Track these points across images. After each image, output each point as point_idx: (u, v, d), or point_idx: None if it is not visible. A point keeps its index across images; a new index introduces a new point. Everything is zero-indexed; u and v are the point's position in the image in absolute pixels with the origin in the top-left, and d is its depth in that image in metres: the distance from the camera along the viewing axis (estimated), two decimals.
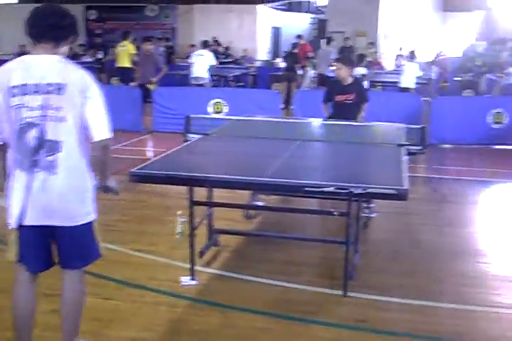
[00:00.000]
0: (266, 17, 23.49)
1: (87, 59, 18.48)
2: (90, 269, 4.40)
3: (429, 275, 4.57)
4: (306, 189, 3.74)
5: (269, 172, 3.94)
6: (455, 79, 16.22)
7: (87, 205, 2.97)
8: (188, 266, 4.30)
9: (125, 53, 12.78)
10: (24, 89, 2.77)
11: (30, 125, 2.79)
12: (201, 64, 12.59)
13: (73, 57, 20.58)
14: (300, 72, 15.17)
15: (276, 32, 24.73)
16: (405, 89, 12.44)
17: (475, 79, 15.85)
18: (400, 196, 3.61)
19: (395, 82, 13.24)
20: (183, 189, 4.34)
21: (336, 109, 6.85)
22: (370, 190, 3.63)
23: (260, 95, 11.16)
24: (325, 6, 24.35)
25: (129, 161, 7.94)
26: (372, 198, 4.95)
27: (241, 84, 16.14)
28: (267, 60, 21.80)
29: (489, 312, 4.00)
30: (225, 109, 10.65)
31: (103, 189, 3.13)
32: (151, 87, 11.06)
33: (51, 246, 3.00)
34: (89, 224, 2.99)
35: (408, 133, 5.55)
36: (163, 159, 4.45)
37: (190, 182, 3.96)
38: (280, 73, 15.63)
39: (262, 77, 17.08)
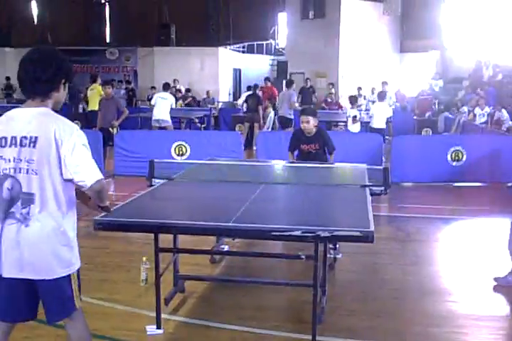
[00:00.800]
0: (227, 59, 23.84)
1: None
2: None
3: (397, 316, 4.56)
4: (274, 233, 3.73)
5: (234, 217, 3.92)
6: (414, 117, 16.58)
7: (64, 258, 2.90)
8: (153, 314, 4.20)
9: (95, 96, 12.78)
10: (2, 142, 2.84)
11: (6, 176, 2.83)
12: (163, 106, 12.64)
13: None
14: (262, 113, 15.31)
15: (237, 73, 25.08)
16: (377, 130, 12.09)
17: (433, 117, 16.25)
18: (367, 238, 3.62)
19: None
20: (146, 234, 4.28)
21: (302, 157, 6.84)
22: (336, 233, 3.64)
23: (223, 137, 11.19)
24: (284, 48, 24.91)
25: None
26: (339, 241, 4.95)
27: (204, 125, 16.21)
28: (228, 102, 22.01)
29: None
30: (188, 152, 10.64)
31: (102, 209, 3.12)
32: (113, 130, 11.02)
33: (33, 298, 2.97)
34: (67, 277, 2.93)
35: (371, 173, 5.61)
36: (128, 205, 4.40)
37: (156, 229, 3.91)
38: (241, 114, 15.75)
39: (224, 119, 17.21)
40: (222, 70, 23.33)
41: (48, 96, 2.93)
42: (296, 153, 6.99)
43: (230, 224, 3.77)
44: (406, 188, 9.86)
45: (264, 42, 27.24)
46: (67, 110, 16.82)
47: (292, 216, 4.30)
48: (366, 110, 15.19)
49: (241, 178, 5.36)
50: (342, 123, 14.73)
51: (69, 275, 2.93)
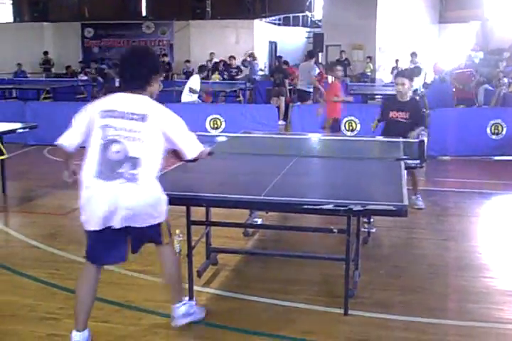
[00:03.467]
0: (262, 32, 23.59)
1: (85, 77, 18.52)
2: None
3: (432, 292, 4.49)
4: (305, 207, 3.69)
5: (266, 191, 3.89)
6: (453, 89, 16.19)
7: (159, 211, 3.47)
8: (186, 286, 4.22)
9: None
10: (113, 113, 3.38)
11: (112, 141, 3.33)
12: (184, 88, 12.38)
13: (71, 75, 20.73)
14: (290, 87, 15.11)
15: (273, 46, 24.83)
16: None
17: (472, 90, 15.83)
18: (400, 212, 3.56)
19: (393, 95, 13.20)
20: (180, 207, 4.28)
21: (388, 129, 6.59)
22: (369, 207, 3.58)
23: (257, 110, 11.13)
24: (321, 20, 24.53)
25: None
26: (371, 214, 4.89)
27: (239, 99, 16.14)
28: (264, 75, 21.84)
29: (493, 328, 3.93)
30: (223, 125, 10.61)
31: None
32: None
33: (127, 243, 3.52)
34: (158, 225, 3.50)
35: (407, 146, 5.50)
36: (160, 178, 4.38)
37: (187, 201, 3.91)
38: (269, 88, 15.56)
39: (260, 92, 17.09)
40: (258, 43, 23.11)
41: (144, 90, 3.49)
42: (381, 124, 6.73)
43: (261, 197, 3.75)
44: (444, 162, 9.68)
45: (300, 15, 26.88)
46: (99, 86, 16.95)
47: (324, 189, 4.25)
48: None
49: (274, 151, 5.30)
50: (379, 96, 14.51)
51: (160, 224, 3.52)
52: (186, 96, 12.13)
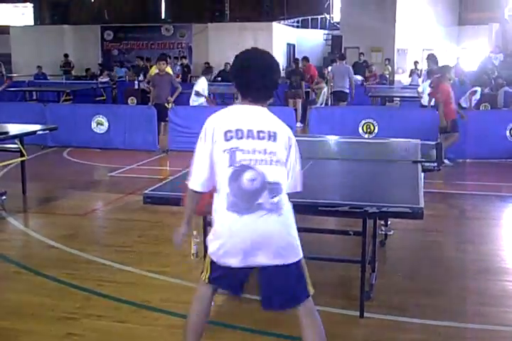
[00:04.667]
0: (280, 34, 23.62)
1: (105, 79, 18.67)
2: (104, 292, 4.44)
3: (449, 295, 4.47)
4: (321, 208, 3.70)
5: None
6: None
7: (298, 245, 3.01)
8: None
9: None
10: (239, 134, 2.85)
11: (245, 168, 2.83)
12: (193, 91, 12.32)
13: (91, 77, 20.93)
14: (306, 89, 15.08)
15: (291, 48, 24.85)
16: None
17: (492, 92, 15.73)
18: (416, 215, 3.55)
19: (412, 97, 13.15)
20: None
21: None
22: (385, 209, 3.59)
23: (275, 113, 11.07)
24: (339, 22, 24.50)
25: (144, 181, 7.98)
26: (387, 217, 4.88)
27: None
28: (282, 77, 21.87)
29: (510, 332, 3.90)
30: None
31: None
32: (168, 105, 11.10)
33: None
34: (300, 261, 3.02)
35: (424, 149, 5.49)
36: (177, 180, 4.44)
37: None
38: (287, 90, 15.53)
39: (277, 94, 17.09)
40: (276, 45, 23.11)
41: (268, 100, 3.03)
42: None
43: None
44: (463, 164, 9.63)
45: (319, 17, 26.86)
46: (129, 85, 17.09)
47: (341, 191, 4.26)
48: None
49: None
50: (397, 99, 14.48)
51: (301, 260, 3.02)
52: (193, 100, 12.07)
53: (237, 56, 2.99)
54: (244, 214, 2.83)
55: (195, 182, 2.94)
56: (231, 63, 3.01)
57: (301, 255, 3.00)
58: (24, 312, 4.11)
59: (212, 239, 2.98)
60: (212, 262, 3.02)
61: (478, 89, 12.31)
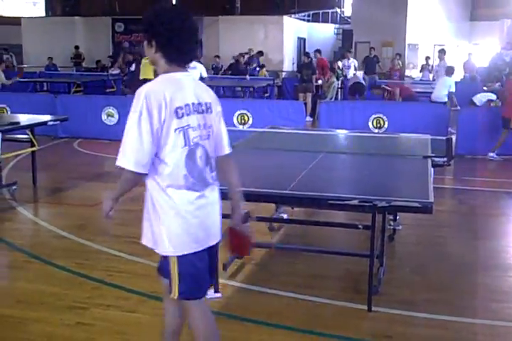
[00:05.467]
0: (291, 28, 23.54)
1: (115, 71, 18.68)
2: (113, 282, 4.46)
3: (458, 290, 4.48)
4: (330, 202, 3.71)
5: (292, 185, 3.91)
6: (483, 88, 16.03)
7: None
8: None
9: (149, 66, 12.88)
10: (187, 109, 2.66)
11: (197, 145, 2.69)
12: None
13: (101, 69, 20.94)
14: (317, 82, 15.06)
15: (302, 42, 24.77)
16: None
17: (503, 88, 15.63)
18: (425, 209, 3.56)
19: (423, 92, 13.11)
20: None
21: None
22: (394, 203, 3.59)
23: (285, 106, 11.14)
24: (350, 17, 24.41)
25: None
26: (396, 211, 4.88)
27: (267, 94, 16.15)
28: (292, 71, 21.80)
29: None
30: (250, 120, 10.65)
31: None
32: None
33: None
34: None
35: (434, 144, 5.48)
36: None
37: None
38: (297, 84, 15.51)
39: (287, 88, 17.09)
40: (287, 39, 23.05)
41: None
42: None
43: (285, 191, 3.77)
44: (473, 160, 9.58)
45: (330, 11, 26.76)
46: (133, 77, 17.02)
47: (350, 185, 4.27)
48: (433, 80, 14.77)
49: (300, 147, 5.33)
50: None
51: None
52: None
53: (161, 14, 2.71)
54: (199, 191, 2.70)
55: (139, 163, 2.57)
56: (153, 20, 2.68)
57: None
58: (34, 300, 4.15)
59: (177, 232, 2.69)
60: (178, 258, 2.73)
61: (493, 96, 12.22)
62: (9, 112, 11.10)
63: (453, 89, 11.94)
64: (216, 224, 2.82)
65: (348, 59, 17.48)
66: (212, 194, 2.79)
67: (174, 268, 2.74)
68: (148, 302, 4.16)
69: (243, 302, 4.20)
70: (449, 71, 12.52)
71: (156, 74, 2.81)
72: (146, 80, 12.33)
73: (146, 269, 4.73)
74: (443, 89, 11.80)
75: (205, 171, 2.74)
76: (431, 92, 12.18)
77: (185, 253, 2.69)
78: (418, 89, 13.88)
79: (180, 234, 2.68)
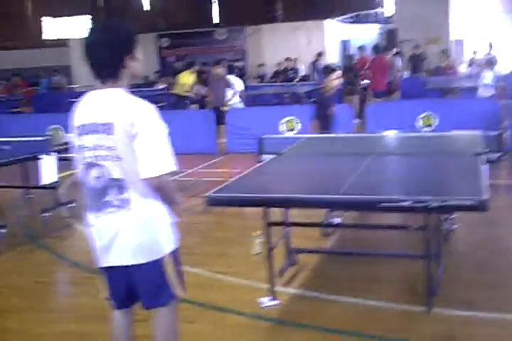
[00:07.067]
0: (334, 31, 23.46)
1: (162, 85, 18.96)
2: None
3: None
4: (382, 204, 3.68)
5: (343, 189, 3.90)
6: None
7: (155, 242, 2.79)
8: (268, 286, 4.30)
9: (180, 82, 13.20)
10: (83, 129, 2.74)
11: (90, 165, 2.75)
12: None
13: (149, 84, 21.29)
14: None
15: (346, 45, 24.64)
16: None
17: None
18: (480, 207, 3.48)
19: (471, 88, 12.84)
20: (259, 209, 4.36)
21: None
22: (447, 203, 3.53)
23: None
24: (392, 16, 24.16)
25: (206, 183, 8.08)
26: (450, 210, 4.80)
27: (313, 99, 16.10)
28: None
29: None
30: (298, 126, 10.66)
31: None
32: (224, 108, 11.22)
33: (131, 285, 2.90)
34: (157, 261, 2.81)
35: (486, 140, 5.37)
36: (237, 181, 4.49)
37: (264, 203, 3.98)
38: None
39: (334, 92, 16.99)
40: (330, 43, 22.99)
41: (118, 78, 2.74)
42: None
43: (337, 196, 3.76)
44: None
45: (372, 11, 26.54)
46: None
47: (402, 186, 4.22)
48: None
49: (349, 150, 5.31)
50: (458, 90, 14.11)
51: (162, 259, 2.82)
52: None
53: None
54: (99, 211, 2.76)
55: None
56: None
57: (159, 254, 2.80)
58: (97, 315, 4.24)
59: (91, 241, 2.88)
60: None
61: None
62: (63, 132, 11.41)
63: (492, 82, 11.74)
64: (121, 248, 2.77)
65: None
66: (116, 217, 2.74)
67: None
68: (207, 312, 4.22)
69: (301, 309, 4.21)
70: (489, 64, 12.33)
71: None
72: (176, 95, 12.30)
73: (202, 279, 4.80)
74: (485, 83, 11.62)
75: (107, 193, 2.72)
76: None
77: (101, 266, 2.89)
78: (467, 84, 13.59)
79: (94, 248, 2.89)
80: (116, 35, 2.72)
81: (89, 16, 30.32)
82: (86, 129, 2.73)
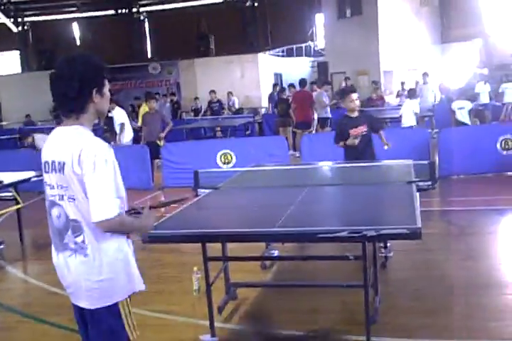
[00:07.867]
0: (267, 64, 23.88)
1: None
2: None
3: (454, 312, 4.47)
4: (319, 236, 3.70)
5: (280, 222, 3.91)
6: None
7: (110, 288, 2.69)
8: (207, 323, 4.23)
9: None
10: (47, 167, 2.70)
11: (52, 204, 2.71)
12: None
13: None
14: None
15: (279, 78, 25.08)
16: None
17: (479, 107, 15.85)
18: (414, 235, 3.55)
19: (399, 118, 13.28)
20: (196, 244, 4.31)
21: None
22: (383, 232, 3.59)
23: (267, 142, 11.21)
24: (324, 49, 24.82)
25: None
26: (386, 239, 4.89)
27: (248, 132, 16.25)
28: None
29: None
30: (234, 159, 10.69)
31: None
32: (160, 143, 11.15)
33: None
34: (112, 307, 2.71)
35: (417, 168, 5.51)
36: (173, 217, 4.44)
37: (203, 239, 3.95)
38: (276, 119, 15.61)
39: (268, 124, 17.22)
40: (263, 76, 23.37)
41: (81, 112, 2.67)
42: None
43: (274, 229, 3.77)
44: (456, 181, 9.65)
45: (303, 45, 27.21)
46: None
47: (338, 217, 4.27)
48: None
49: (285, 182, 5.35)
50: (388, 120, 14.54)
51: (115, 305, 2.71)
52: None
53: None
54: (59, 252, 2.74)
55: None
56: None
57: (113, 300, 2.70)
58: None
59: None
60: None
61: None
62: None
63: (417, 111, 12.30)
64: (78, 290, 2.73)
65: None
66: (73, 263, 2.68)
67: None
68: None
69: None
70: (411, 94, 12.92)
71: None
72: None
73: (140, 318, 4.62)
74: (409, 113, 12.16)
75: (66, 234, 2.67)
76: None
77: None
78: (396, 115, 14.01)
79: None
80: (85, 68, 2.67)
81: (18, 52, 29.88)
82: (49, 167, 2.69)
